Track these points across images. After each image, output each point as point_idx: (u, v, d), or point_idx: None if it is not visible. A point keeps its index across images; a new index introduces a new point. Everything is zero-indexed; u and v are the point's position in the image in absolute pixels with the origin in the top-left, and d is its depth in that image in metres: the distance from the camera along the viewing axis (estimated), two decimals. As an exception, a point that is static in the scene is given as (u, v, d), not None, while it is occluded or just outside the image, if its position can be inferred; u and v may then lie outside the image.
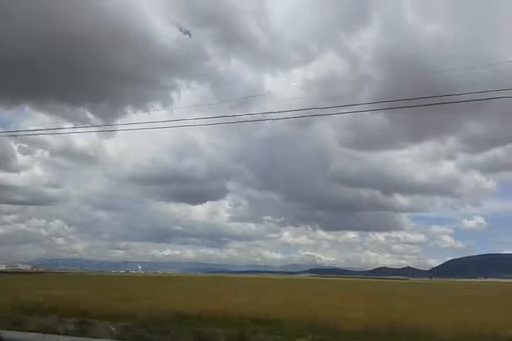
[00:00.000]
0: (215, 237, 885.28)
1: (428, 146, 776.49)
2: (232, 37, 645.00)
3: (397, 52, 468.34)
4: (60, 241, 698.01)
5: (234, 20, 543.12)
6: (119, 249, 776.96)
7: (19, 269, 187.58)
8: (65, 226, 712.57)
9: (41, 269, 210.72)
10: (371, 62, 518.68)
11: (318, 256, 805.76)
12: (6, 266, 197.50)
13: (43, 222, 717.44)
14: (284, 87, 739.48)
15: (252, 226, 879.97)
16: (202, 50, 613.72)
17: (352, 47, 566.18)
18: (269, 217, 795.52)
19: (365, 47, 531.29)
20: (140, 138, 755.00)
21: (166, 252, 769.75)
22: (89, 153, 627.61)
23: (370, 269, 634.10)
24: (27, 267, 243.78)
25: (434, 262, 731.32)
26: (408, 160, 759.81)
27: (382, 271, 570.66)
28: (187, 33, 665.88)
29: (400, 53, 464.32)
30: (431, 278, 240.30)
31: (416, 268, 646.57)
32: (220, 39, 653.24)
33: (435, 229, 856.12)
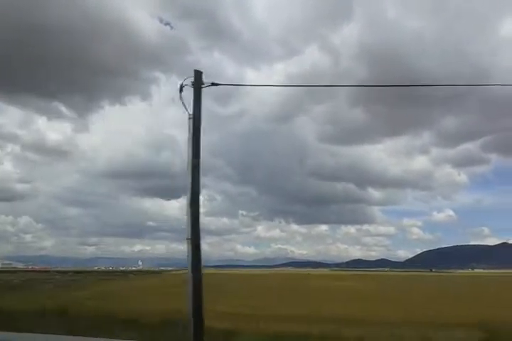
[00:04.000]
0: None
1: (403, 141, 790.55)
2: (214, 30, 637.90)
3: (378, 48, 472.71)
4: (28, 237, 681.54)
5: (216, 13, 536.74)
6: (89, 245, 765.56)
7: (13, 267, 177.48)
8: (34, 223, 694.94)
9: (36, 267, 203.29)
10: (353, 56, 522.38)
11: (291, 249, 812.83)
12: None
13: (10, 218, 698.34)
14: (267, 82, 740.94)
15: (226, 220, 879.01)
16: (184, 43, 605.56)
17: (334, 42, 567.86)
18: (244, 212, 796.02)
19: (348, 42, 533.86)
20: (115, 132, 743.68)
21: (136, 248, 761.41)
22: (62, 147, 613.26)
23: (346, 261, 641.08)
24: (19, 265, 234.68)
25: (403, 253, 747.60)
26: (383, 155, 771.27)
27: (357, 263, 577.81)
28: (168, 24, 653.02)
29: (381, 48, 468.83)
30: (431, 270, 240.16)
31: (389, 259, 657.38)
32: (202, 32, 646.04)
33: (405, 221, 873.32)
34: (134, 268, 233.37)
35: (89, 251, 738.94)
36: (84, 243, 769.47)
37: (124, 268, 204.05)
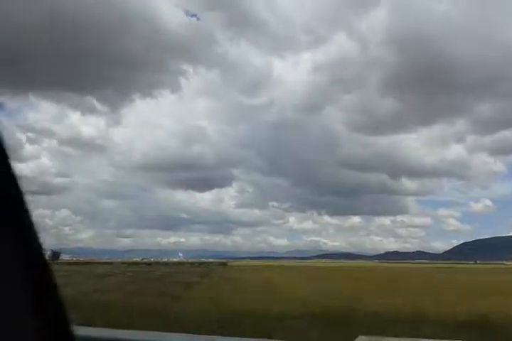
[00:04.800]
0: (221, 224, 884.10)
1: (437, 129, 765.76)
2: (240, 20, 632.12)
3: (406, 33, 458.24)
4: (66, 230, 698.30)
5: (242, 2, 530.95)
6: (125, 236, 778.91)
7: (62, 259, 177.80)
8: (72, 216, 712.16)
9: (81, 259, 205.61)
10: (381, 43, 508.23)
11: (324, 241, 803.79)
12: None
13: (49, 211, 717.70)
14: (294, 71, 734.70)
15: (257, 212, 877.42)
16: (210, 34, 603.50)
17: (362, 29, 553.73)
18: (275, 203, 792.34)
19: (375, 28, 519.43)
20: (147, 125, 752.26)
21: (171, 239, 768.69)
22: (96, 141, 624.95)
23: (381, 253, 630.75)
24: (65, 257, 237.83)
25: (440, 245, 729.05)
26: (417, 144, 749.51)
27: (394, 255, 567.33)
28: (194, 15, 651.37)
29: (409, 34, 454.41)
30: (475, 262, 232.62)
31: (426, 251, 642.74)
32: (228, 23, 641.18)
33: (441, 212, 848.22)
34: (175, 260, 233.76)
35: (125, 242, 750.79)
36: (120, 235, 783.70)
37: (166, 260, 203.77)
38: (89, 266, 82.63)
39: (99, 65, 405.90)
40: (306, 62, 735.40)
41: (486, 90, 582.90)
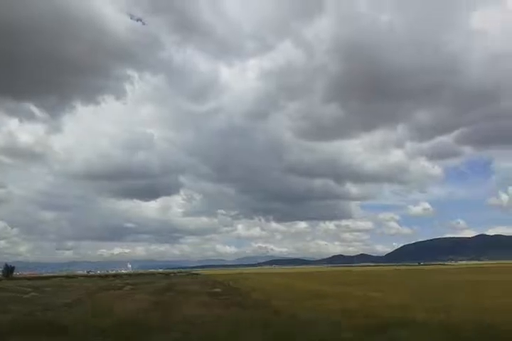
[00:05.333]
0: (168, 233, 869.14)
1: (378, 135, 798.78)
2: (187, 26, 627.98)
3: (351, 41, 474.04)
4: (2, 243, 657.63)
5: (188, 8, 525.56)
6: (66, 249, 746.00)
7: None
8: (8, 228, 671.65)
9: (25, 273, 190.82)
10: (327, 51, 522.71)
11: (271, 247, 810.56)
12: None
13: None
14: (241, 78, 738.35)
15: (205, 220, 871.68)
16: (156, 39, 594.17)
17: (308, 37, 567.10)
18: (223, 211, 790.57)
19: (321, 36, 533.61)
20: (89, 132, 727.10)
21: (115, 251, 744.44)
22: (35, 149, 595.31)
23: (327, 257, 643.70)
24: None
25: (382, 248, 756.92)
26: (360, 149, 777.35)
27: (338, 259, 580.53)
28: (139, 20, 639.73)
29: (354, 42, 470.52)
30: (419, 263, 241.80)
31: (370, 254, 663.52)
32: (174, 28, 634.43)
33: (383, 215, 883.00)
34: (124, 271, 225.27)
35: (67, 255, 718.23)
36: (61, 247, 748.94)
37: (114, 272, 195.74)
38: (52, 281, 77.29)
39: (38, 70, 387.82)
40: (254, 69, 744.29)
41: (425, 98, 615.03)
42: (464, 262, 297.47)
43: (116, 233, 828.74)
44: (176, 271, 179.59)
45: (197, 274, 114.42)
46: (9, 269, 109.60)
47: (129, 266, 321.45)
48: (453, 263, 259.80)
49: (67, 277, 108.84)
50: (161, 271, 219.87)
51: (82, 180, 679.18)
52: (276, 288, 32.87)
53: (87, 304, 21.63)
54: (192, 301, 21.88)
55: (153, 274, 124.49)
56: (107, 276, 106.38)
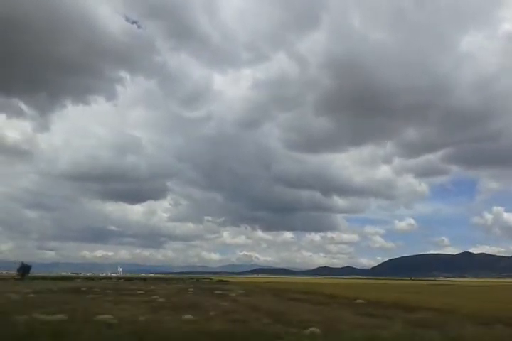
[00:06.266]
0: (152, 238, 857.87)
1: (367, 150, 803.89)
2: (183, 32, 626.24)
3: (343, 57, 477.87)
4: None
5: (185, 14, 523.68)
6: (48, 249, 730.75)
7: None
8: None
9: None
10: (320, 65, 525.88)
11: (256, 255, 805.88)
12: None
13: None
14: (234, 86, 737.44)
15: (191, 226, 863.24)
16: (151, 43, 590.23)
17: (302, 50, 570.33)
18: (210, 217, 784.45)
19: (315, 50, 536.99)
20: (77, 133, 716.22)
21: (98, 253, 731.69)
22: (21, 147, 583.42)
23: (312, 268, 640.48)
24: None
25: (366, 261, 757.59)
26: (348, 163, 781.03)
27: (323, 270, 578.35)
28: (134, 23, 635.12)
29: (346, 58, 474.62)
30: (411, 278, 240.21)
31: (355, 267, 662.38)
32: (170, 33, 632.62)
33: (368, 229, 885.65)
34: (114, 274, 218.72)
35: (49, 255, 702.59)
36: (43, 247, 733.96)
37: (104, 275, 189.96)
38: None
39: (29, 67, 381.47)
40: (247, 78, 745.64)
41: (414, 116, 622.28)
42: (453, 278, 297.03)
43: (100, 235, 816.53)
44: (185, 277, 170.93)
45: (227, 281, 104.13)
46: (25, 268, 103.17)
47: (120, 269, 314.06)
48: (447, 279, 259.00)
49: (87, 279, 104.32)
50: (171, 276, 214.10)
51: (68, 180, 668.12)
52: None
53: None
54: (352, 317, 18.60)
55: (167, 279, 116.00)
56: (128, 280, 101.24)
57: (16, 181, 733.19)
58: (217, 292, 41.81)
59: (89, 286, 49.62)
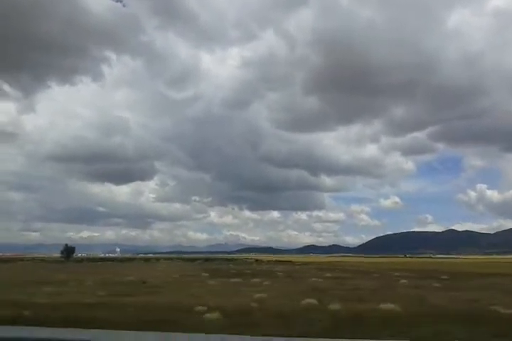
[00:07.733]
0: (139, 218, 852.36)
1: (355, 129, 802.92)
2: (169, 10, 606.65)
3: (332, 35, 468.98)
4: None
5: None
6: (33, 230, 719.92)
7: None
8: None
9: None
10: (308, 43, 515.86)
11: (243, 235, 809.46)
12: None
13: None
14: (221, 66, 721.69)
15: (178, 206, 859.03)
16: (137, 22, 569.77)
17: (290, 28, 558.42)
18: (197, 197, 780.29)
19: (303, 28, 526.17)
20: (63, 113, 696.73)
21: (83, 234, 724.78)
22: (6, 129, 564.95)
23: (299, 247, 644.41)
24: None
25: (351, 239, 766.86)
26: (336, 142, 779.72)
27: (311, 249, 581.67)
28: (119, 1, 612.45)
29: (334, 36, 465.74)
30: (405, 255, 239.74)
31: (342, 245, 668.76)
32: (156, 12, 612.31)
33: (354, 208, 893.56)
34: (111, 255, 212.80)
35: (33, 237, 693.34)
36: (28, 229, 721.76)
37: (102, 255, 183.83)
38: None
39: (12, 47, 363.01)
40: (235, 58, 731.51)
41: (401, 94, 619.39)
42: (443, 255, 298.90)
43: (87, 216, 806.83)
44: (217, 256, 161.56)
45: (260, 260, 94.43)
46: (69, 250, 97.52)
47: (118, 249, 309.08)
48: (437, 256, 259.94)
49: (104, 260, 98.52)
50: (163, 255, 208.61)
51: (54, 161, 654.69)
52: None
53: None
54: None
55: (193, 260, 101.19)
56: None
57: (1, 163, 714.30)
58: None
59: (239, 269, 41.77)
